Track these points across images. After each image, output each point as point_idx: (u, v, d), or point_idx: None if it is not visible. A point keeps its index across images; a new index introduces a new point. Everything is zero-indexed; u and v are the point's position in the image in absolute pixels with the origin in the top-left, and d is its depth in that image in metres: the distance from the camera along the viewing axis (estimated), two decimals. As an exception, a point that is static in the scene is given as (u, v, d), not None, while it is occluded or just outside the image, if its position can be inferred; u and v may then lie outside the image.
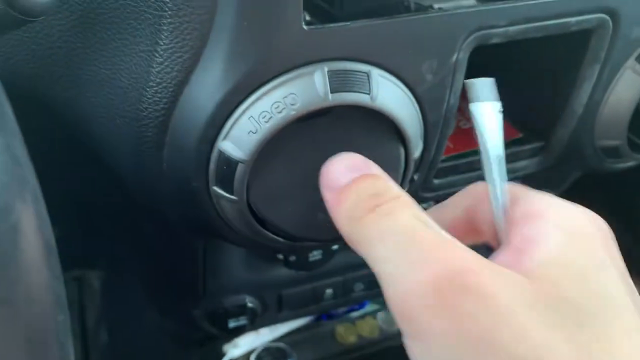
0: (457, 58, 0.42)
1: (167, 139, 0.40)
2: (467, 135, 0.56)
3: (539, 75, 0.53)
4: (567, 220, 0.29)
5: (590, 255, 0.28)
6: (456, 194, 0.38)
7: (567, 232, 0.28)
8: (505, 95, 0.58)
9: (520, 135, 0.56)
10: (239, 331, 0.79)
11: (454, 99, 0.45)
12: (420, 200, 0.54)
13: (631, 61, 0.49)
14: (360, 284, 0.80)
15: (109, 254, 0.92)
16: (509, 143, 0.56)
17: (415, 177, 0.48)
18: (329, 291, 0.78)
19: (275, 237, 0.44)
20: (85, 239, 0.84)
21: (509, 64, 0.56)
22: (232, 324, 0.74)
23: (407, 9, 0.40)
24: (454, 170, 0.53)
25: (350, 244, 0.30)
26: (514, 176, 0.57)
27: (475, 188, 0.36)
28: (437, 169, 0.51)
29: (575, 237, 0.28)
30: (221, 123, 0.39)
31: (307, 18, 0.38)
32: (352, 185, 0.31)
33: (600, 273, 0.27)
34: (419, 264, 0.25)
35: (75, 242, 0.82)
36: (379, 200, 0.29)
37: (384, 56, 0.40)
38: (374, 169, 0.32)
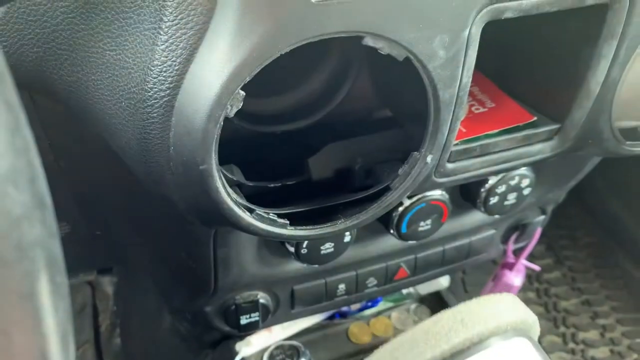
0: (469, 32, 0.41)
1: (174, 121, 0.39)
2: (479, 120, 0.55)
3: (553, 54, 0.52)
4: None
5: None
6: None
7: None
8: (519, 76, 0.58)
9: (535, 118, 0.55)
10: (251, 329, 0.77)
11: (467, 77, 0.44)
12: (435, 186, 0.53)
13: (649, 37, 0.48)
14: (373, 278, 0.79)
15: (122, 256, 0.91)
16: (523, 126, 0.55)
17: (429, 159, 0.47)
18: (341, 286, 0.77)
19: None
20: (97, 239, 0.83)
21: (523, 41, 0.55)
22: (244, 320, 0.73)
23: None
24: (467, 153, 0.51)
25: None
26: (530, 160, 0.55)
27: None
28: (450, 153, 0.50)
29: None
30: (229, 102, 0.38)
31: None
32: None
33: None
34: None
35: (87, 244, 0.81)
36: None
37: (395, 30, 0.39)
38: None
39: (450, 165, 0.51)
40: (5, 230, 0.17)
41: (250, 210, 0.44)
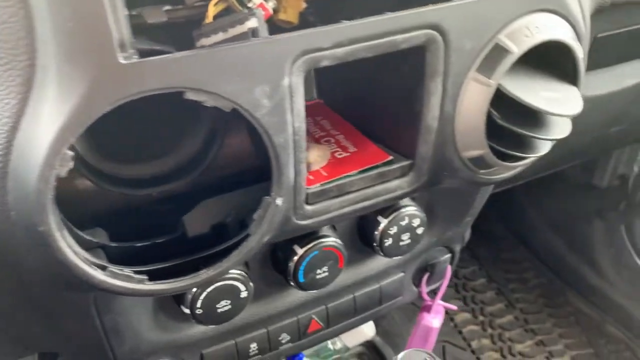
0: (290, 82, 0.45)
1: (10, 185, 0.41)
2: (341, 164, 0.58)
3: (395, 95, 0.56)
4: None
5: None
6: None
7: None
8: (375, 119, 0.62)
9: (391, 157, 0.58)
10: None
11: (299, 122, 0.47)
12: (300, 228, 0.55)
13: (473, 72, 0.52)
14: (286, 334, 0.79)
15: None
16: (381, 165, 0.58)
17: (279, 201, 0.49)
18: (253, 346, 0.77)
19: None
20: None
21: (371, 87, 0.59)
22: (155, 391, 0.72)
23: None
24: (325, 194, 0.54)
25: None
26: (390, 197, 0.58)
27: None
28: (306, 195, 0.53)
29: None
30: (57, 163, 0.40)
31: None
32: None
33: None
34: None
35: None
36: None
37: (214, 84, 0.42)
38: None
39: (309, 207, 0.54)
40: None
41: (103, 268, 0.46)
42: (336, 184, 0.54)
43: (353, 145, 0.61)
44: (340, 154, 0.60)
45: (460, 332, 1.71)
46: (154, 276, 0.50)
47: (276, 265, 0.71)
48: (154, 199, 0.60)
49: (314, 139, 0.63)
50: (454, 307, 0.92)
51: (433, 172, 0.58)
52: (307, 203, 0.53)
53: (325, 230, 0.67)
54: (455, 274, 1.84)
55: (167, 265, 0.50)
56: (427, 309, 0.91)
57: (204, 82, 0.41)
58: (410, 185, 0.58)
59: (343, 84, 0.65)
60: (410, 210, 0.69)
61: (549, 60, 0.57)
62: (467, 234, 0.91)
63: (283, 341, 0.79)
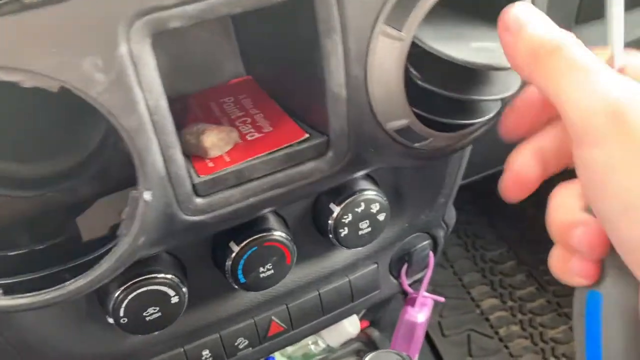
0: (130, 51, 0.37)
1: None
2: (250, 147, 0.50)
3: (301, 61, 0.47)
4: None
5: None
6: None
7: None
8: (292, 93, 0.53)
9: (307, 135, 0.49)
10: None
11: (155, 100, 0.39)
12: (194, 226, 0.47)
13: (380, 25, 0.43)
14: (243, 339, 0.72)
15: None
16: (295, 145, 0.49)
17: (147, 196, 0.41)
18: (206, 353, 0.70)
19: None
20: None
21: (283, 52, 0.50)
22: (94, 407, 0.66)
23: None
24: (220, 184, 0.46)
25: (529, 77, 0.35)
26: (308, 182, 0.49)
27: None
28: (194, 185, 0.45)
29: None
30: None
31: None
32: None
33: None
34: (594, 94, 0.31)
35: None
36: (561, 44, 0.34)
37: (25, 58, 0.34)
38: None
39: (201, 200, 0.46)
40: None
41: (-60, 284, 0.39)
42: (232, 170, 0.46)
43: (270, 124, 0.52)
44: (252, 136, 0.51)
45: (487, 319, 1.60)
46: (22, 290, 0.43)
47: (217, 265, 0.63)
48: (47, 201, 0.53)
49: (229, 120, 0.55)
50: (441, 299, 0.83)
51: (357, 150, 0.49)
52: (198, 195, 0.45)
53: (272, 222, 0.60)
54: (482, 258, 1.73)
55: (24, 278, 0.43)
56: (411, 302, 0.82)
57: (10, 57, 0.34)
58: (332, 166, 0.49)
59: (265, 55, 0.57)
60: (367, 195, 0.60)
61: (494, 5, 0.47)
62: (452, 218, 0.80)
63: (240, 346, 0.72)
